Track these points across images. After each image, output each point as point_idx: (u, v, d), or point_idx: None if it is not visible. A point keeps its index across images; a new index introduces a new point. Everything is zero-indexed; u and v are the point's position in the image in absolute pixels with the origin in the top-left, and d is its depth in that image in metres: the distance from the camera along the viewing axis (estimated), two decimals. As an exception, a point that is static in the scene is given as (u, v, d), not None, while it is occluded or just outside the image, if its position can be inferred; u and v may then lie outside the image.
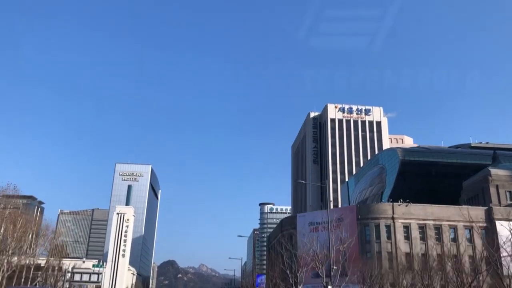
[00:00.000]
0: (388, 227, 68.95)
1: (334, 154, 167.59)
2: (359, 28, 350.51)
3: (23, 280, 78.64)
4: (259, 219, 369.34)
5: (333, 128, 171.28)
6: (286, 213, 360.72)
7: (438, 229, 68.13)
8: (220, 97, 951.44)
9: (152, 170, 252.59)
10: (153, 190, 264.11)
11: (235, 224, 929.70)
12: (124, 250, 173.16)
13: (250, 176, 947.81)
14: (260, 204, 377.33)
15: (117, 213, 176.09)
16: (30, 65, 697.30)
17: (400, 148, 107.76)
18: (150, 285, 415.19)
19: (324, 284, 51.31)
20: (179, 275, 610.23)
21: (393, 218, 68.83)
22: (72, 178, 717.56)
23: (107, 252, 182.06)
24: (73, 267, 67.53)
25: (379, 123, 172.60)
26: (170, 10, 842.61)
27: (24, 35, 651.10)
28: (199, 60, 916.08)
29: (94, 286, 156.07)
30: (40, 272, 77.59)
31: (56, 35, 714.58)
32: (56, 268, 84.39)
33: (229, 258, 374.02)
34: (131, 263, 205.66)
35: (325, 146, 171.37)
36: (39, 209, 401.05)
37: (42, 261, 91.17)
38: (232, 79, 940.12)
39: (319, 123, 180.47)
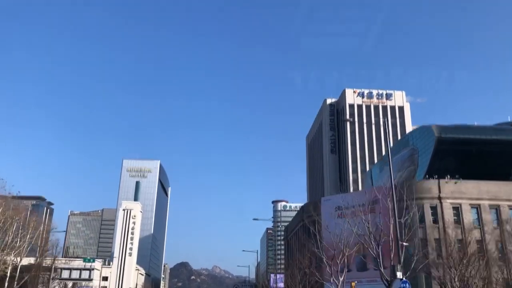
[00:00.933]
0: (434, 208, 57.22)
1: (353, 143, 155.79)
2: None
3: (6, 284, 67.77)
4: (272, 217, 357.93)
5: (351, 115, 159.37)
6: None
7: (496, 210, 56.18)
8: (231, 93, 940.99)
9: (161, 166, 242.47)
10: (163, 186, 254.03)
11: (248, 224, 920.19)
12: (131, 249, 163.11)
13: (261, 173, 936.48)
14: (273, 202, 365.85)
15: (123, 209, 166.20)
16: (29, 62, 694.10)
17: (436, 124, 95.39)
18: (162, 287, 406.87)
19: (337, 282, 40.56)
20: (193, 277, 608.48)
21: (439, 198, 57.10)
22: (81, 178, 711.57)
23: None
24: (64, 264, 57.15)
25: (401, 108, 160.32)
26: (166, 12, 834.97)
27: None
28: (207, 50, 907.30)
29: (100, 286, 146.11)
30: (26, 273, 66.72)
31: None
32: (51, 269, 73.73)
33: (243, 250, 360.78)
34: (140, 263, 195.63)
35: (344, 134, 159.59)
36: (48, 210, 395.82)
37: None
38: (242, 74, 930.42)
39: (336, 110, 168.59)
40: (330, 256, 56.79)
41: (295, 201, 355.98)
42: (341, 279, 38.62)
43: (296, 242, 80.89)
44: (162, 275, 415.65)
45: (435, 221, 56.93)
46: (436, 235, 55.50)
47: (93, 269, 52.70)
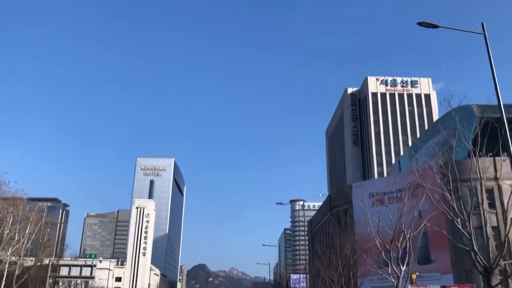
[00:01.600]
0: (490, 191, 48.28)
1: (377, 133, 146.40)
2: None
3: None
4: (290, 217, 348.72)
5: (375, 104, 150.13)
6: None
7: None
8: (244, 94, 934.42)
9: (175, 164, 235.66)
10: (177, 185, 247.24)
11: (265, 224, 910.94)
12: (145, 248, 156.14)
13: (279, 172, 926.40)
14: (290, 201, 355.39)
15: (136, 207, 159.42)
16: (32, 63, 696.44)
17: (476, 104, 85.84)
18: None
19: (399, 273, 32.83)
20: (210, 279, 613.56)
21: (496, 179, 48.04)
22: (97, 179, 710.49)
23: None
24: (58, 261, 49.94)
25: (427, 96, 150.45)
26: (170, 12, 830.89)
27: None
28: (220, 45, 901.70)
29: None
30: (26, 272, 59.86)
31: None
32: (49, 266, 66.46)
33: (263, 245, 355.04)
34: (155, 263, 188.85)
35: (367, 125, 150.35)
36: (64, 211, 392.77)
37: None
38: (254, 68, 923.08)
39: (358, 100, 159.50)
40: (366, 249, 48.53)
41: (313, 200, 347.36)
42: (403, 268, 30.26)
43: (322, 236, 72.45)
44: (179, 277, 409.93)
45: (492, 205, 48.12)
46: (494, 222, 46.75)
47: (94, 266, 46.75)
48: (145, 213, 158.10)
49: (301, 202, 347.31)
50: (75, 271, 52.62)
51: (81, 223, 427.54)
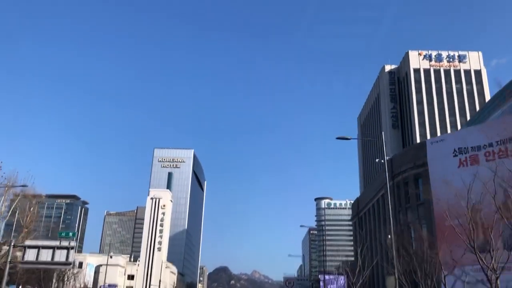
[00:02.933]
0: None
1: (421, 114, 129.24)
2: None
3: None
4: (316, 216, 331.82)
5: (417, 81, 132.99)
6: (346, 208, 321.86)
7: None
8: (263, 88, 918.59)
9: (195, 156, 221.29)
10: (197, 179, 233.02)
11: (288, 225, 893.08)
12: (160, 243, 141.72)
13: (303, 171, 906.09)
14: (315, 199, 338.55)
15: (151, 198, 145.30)
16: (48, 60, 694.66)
17: None
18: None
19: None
20: (232, 282, 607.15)
21: None
22: (116, 178, 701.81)
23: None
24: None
25: (478, 72, 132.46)
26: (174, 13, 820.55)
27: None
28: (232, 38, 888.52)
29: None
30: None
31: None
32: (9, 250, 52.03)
33: (289, 255, 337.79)
34: (172, 261, 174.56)
35: (408, 105, 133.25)
36: (83, 209, 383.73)
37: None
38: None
39: (397, 79, 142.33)
40: (448, 230, 33.01)
41: (340, 198, 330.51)
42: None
43: (373, 219, 56.10)
44: (200, 278, 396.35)
45: None
46: None
47: (72, 248, 33.88)
48: (161, 204, 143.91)
49: (326, 201, 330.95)
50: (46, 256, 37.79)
51: (101, 221, 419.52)
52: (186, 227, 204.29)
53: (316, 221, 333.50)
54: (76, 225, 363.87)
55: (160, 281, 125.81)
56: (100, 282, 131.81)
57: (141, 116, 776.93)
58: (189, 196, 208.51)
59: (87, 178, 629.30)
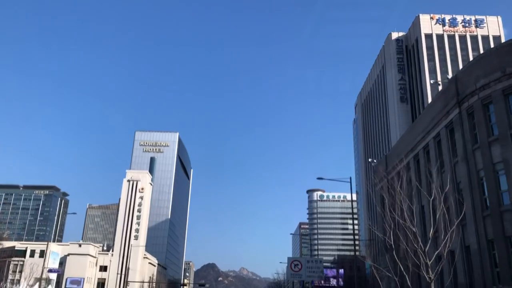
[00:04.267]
0: None
1: (434, 85, 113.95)
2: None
3: None
4: (307, 209, 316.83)
5: (429, 48, 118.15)
6: (339, 200, 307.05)
7: None
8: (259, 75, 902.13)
9: (179, 140, 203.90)
10: (182, 165, 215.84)
11: (278, 221, 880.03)
12: (137, 230, 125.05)
13: (294, 163, 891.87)
14: (308, 191, 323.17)
15: (128, 180, 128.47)
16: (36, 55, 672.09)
17: None
18: (186, 286, 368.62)
19: None
20: (220, 278, 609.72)
21: None
22: (99, 171, 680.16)
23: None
24: None
25: (497, 39, 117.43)
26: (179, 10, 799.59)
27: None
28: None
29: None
30: None
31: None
32: None
33: (280, 262, 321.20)
34: (154, 253, 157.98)
35: (419, 76, 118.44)
36: (63, 201, 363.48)
37: None
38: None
39: (405, 47, 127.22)
40: None
41: (332, 190, 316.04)
42: None
43: (419, 174, 40.35)
44: (186, 274, 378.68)
45: None
46: None
47: None
48: (139, 187, 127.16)
49: (319, 193, 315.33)
50: None
51: (83, 215, 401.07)
52: (169, 216, 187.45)
53: (308, 213, 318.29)
54: (56, 217, 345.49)
55: (137, 271, 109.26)
56: (68, 274, 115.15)
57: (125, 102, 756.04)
58: (173, 183, 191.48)
59: (68, 169, 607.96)
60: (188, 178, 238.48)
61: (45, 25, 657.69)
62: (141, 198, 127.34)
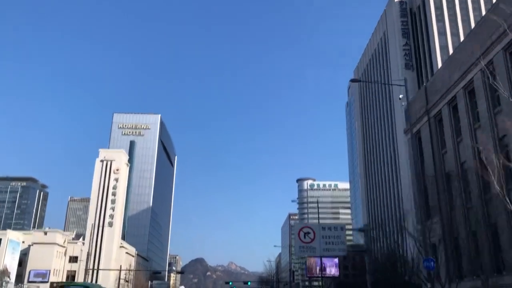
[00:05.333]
0: None
1: (444, 48, 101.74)
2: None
3: None
4: (297, 198, 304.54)
5: (438, 8, 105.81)
6: (330, 189, 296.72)
7: None
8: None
9: (162, 122, 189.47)
10: (165, 150, 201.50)
11: (266, 214, 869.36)
12: (112, 216, 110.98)
13: (284, 150, 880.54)
14: (297, 180, 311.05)
15: (101, 161, 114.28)
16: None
17: None
18: (173, 280, 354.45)
19: None
20: (208, 273, 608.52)
21: None
22: (80, 162, 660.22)
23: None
24: None
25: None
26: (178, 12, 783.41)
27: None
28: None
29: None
30: None
31: None
32: None
33: (268, 261, 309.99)
34: (134, 244, 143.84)
35: (427, 39, 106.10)
36: (41, 193, 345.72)
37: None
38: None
39: (409, 10, 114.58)
40: None
41: (323, 179, 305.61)
42: None
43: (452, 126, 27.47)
44: (173, 267, 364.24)
45: None
46: None
47: None
48: (113, 168, 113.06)
49: (309, 181, 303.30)
50: None
51: (64, 208, 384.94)
52: (151, 204, 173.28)
53: (298, 203, 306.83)
54: (34, 210, 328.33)
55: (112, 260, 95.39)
56: (32, 266, 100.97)
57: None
58: (154, 168, 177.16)
59: (48, 161, 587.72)
60: (172, 165, 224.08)
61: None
62: (116, 180, 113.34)
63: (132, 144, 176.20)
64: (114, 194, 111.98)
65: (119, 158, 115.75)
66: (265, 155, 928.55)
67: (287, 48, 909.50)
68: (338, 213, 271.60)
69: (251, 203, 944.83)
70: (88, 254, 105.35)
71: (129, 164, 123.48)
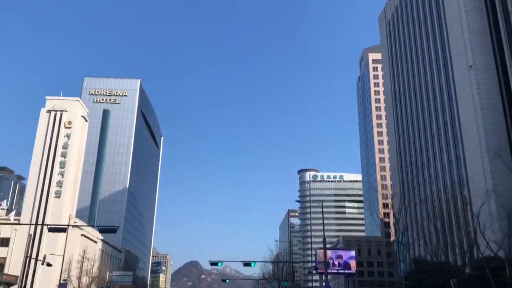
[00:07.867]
0: None
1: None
2: None
3: None
4: (299, 191, 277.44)
5: None
6: (335, 181, 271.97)
7: None
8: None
9: (142, 89, 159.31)
10: (147, 124, 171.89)
11: (262, 212, 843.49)
12: (60, 184, 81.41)
13: (283, 144, 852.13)
14: (299, 172, 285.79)
15: (48, 111, 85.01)
16: None
17: None
18: (163, 278, 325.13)
19: None
20: (203, 276, 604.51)
21: None
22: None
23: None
24: None
25: None
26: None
27: None
28: None
29: None
30: None
31: None
32: None
33: (276, 241, 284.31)
34: (107, 233, 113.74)
35: None
36: (17, 185, 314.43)
37: None
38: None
39: None
40: None
41: (327, 170, 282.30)
42: None
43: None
44: (163, 267, 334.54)
45: None
46: None
47: None
48: (64, 120, 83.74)
49: (312, 173, 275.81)
50: None
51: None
52: (127, 185, 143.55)
53: (299, 196, 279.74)
54: (7, 203, 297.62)
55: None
56: None
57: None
58: (132, 142, 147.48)
59: (26, 150, 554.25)
60: (158, 147, 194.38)
61: None
62: (68, 136, 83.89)
63: (105, 113, 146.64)
64: (64, 155, 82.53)
65: (73, 108, 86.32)
66: (258, 148, 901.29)
67: (294, 23, 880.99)
68: (344, 206, 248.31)
69: (249, 202, 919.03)
70: (29, 236, 76.27)
71: (88, 120, 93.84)
